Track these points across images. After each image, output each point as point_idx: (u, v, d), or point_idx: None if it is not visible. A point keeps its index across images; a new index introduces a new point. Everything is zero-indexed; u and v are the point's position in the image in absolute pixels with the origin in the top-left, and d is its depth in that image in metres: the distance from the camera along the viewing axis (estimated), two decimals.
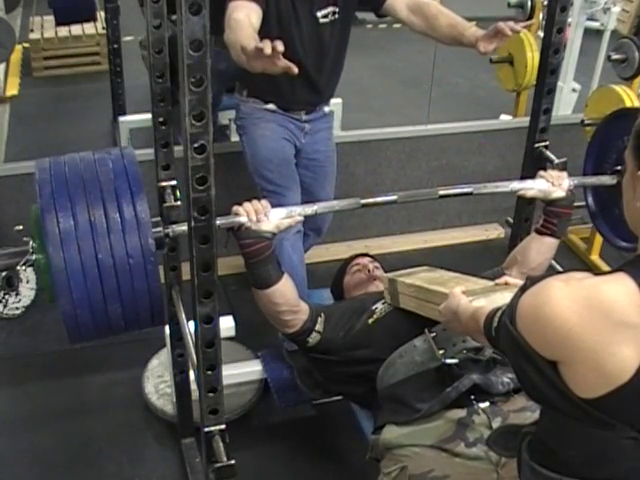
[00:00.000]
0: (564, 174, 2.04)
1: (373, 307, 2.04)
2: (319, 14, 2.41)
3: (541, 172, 2.06)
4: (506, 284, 1.62)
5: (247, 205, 1.79)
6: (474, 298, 1.50)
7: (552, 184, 2.01)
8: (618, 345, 0.97)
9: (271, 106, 2.56)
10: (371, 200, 1.92)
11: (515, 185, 2.04)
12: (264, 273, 1.85)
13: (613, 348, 0.97)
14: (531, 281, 1.07)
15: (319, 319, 2.01)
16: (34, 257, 1.57)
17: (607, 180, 2.15)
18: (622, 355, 0.97)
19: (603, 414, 1.00)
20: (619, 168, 2.11)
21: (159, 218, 1.69)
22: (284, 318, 1.95)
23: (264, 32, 2.38)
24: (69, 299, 1.47)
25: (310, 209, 1.87)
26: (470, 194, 1.98)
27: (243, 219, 1.77)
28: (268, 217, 1.78)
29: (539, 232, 2.06)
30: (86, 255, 1.46)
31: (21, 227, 1.61)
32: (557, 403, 1.04)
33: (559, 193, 2.01)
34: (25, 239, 1.58)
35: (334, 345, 2.00)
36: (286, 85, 2.51)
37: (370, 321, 2.01)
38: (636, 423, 1.01)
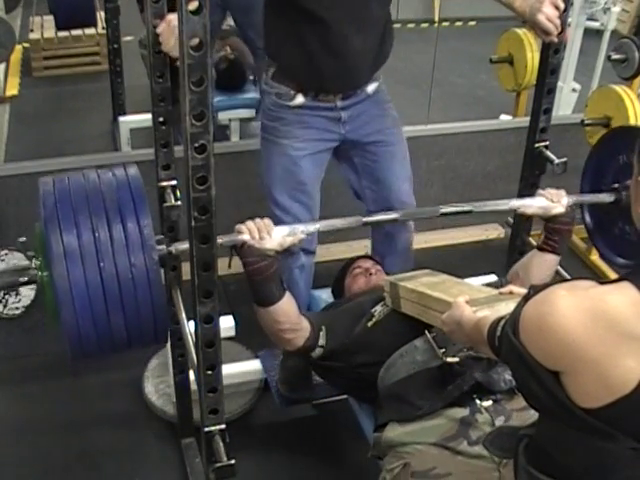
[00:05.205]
0: (562, 192, 2.04)
1: (372, 310, 2.04)
2: None
3: (540, 190, 2.06)
4: (510, 293, 1.61)
5: (250, 223, 1.78)
6: (478, 308, 1.48)
7: (551, 201, 2.01)
8: (622, 356, 0.96)
9: (299, 99, 2.25)
10: (373, 218, 2.08)
11: (514, 203, 2.07)
12: (267, 291, 1.83)
13: (617, 359, 0.96)
14: (534, 290, 1.06)
15: (321, 333, 1.98)
16: (38, 273, 1.57)
17: (605, 198, 2.13)
18: (626, 367, 0.96)
19: (605, 425, 0.99)
20: (616, 186, 2.11)
21: (162, 236, 1.70)
22: (286, 336, 1.93)
23: None
24: (71, 311, 1.46)
25: (313, 227, 1.91)
26: (470, 212, 2.03)
27: (246, 237, 1.76)
28: (271, 235, 1.78)
29: (540, 249, 2.04)
30: (89, 268, 1.46)
31: (24, 238, 1.60)
32: (558, 414, 1.03)
33: (559, 209, 2.00)
34: (29, 253, 1.58)
35: (336, 353, 1.99)
36: (319, 55, 2.17)
37: (369, 324, 2.00)
38: (638, 434, 1.01)
